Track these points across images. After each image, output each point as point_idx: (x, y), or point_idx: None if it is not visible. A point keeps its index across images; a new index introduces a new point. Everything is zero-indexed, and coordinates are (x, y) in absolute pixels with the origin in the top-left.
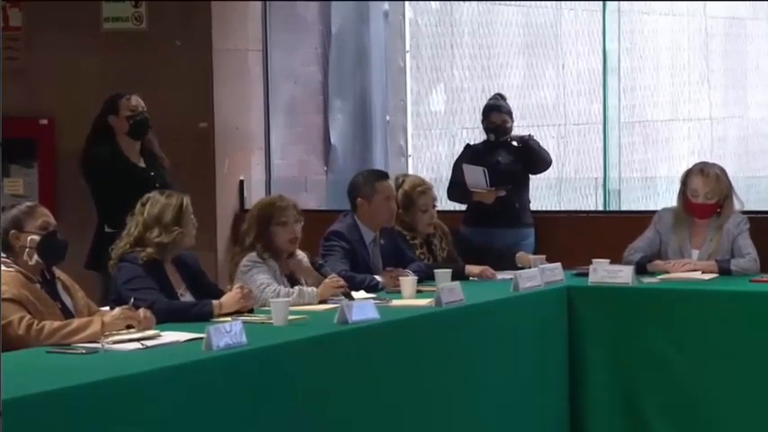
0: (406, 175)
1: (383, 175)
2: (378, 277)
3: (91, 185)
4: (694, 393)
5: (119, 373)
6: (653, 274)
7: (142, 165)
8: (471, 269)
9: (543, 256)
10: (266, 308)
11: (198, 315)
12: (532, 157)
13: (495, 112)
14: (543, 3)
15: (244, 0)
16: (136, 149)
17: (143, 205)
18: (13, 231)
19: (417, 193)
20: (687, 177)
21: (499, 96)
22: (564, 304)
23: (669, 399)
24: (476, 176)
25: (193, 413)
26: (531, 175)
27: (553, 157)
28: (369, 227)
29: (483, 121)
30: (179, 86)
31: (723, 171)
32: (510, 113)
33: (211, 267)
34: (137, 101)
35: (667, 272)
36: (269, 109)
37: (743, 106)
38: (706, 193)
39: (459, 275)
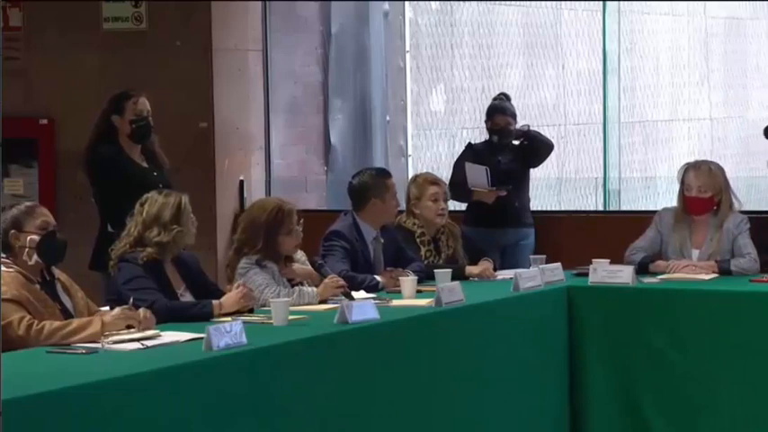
0: (419, 174)
1: (388, 173)
2: (378, 277)
3: (94, 186)
4: (694, 393)
5: (119, 373)
6: (654, 273)
7: (145, 165)
8: (471, 269)
9: (543, 256)
10: (266, 308)
11: (198, 315)
12: (536, 145)
13: (500, 114)
14: (543, 3)
15: (244, 0)
16: (137, 149)
17: (141, 205)
18: (12, 231)
19: (428, 183)
20: (683, 174)
21: (504, 96)
22: (564, 304)
23: (669, 399)
24: (478, 175)
25: (193, 413)
26: (534, 168)
27: (553, 157)
28: (371, 225)
29: (486, 122)
30: (179, 86)
31: (718, 167)
32: (514, 115)
33: (211, 267)
34: (143, 105)
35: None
36: (269, 109)
37: (743, 106)
38: (699, 186)
39: (458, 275)
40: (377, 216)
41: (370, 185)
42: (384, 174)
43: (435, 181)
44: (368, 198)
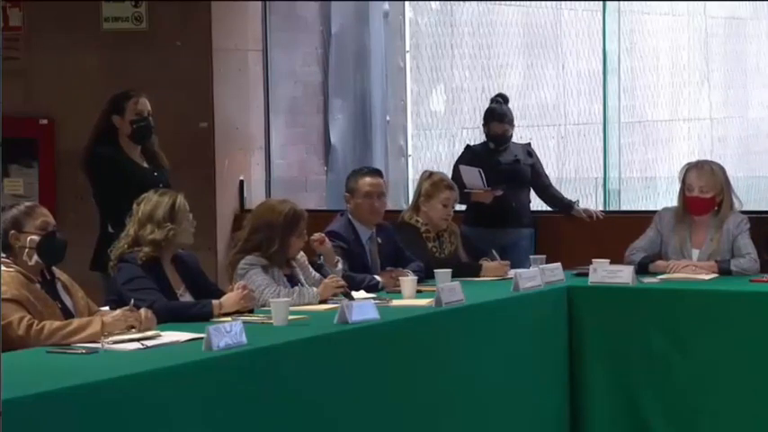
0: (434, 172)
1: (368, 172)
2: (378, 277)
3: (95, 186)
4: (694, 393)
5: (119, 373)
6: (654, 273)
7: (145, 165)
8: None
9: (543, 256)
10: (266, 308)
11: (198, 315)
12: (557, 207)
13: (497, 123)
14: (543, 3)
15: (244, 0)
16: (137, 150)
17: (138, 205)
18: (12, 232)
19: (443, 186)
20: (684, 174)
21: (501, 99)
22: (564, 304)
23: (669, 399)
24: (472, 177)
25: (193, 413)
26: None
27: (553, 157)
28: (363, 224)
29: (484, 126)
30: (179, 86)
31: (720, 167)
32: (511, 121)
33: (211, 267)
34: (143, 105)
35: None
36: (269, 109)
37: (743, 106)
38: (701, 186)
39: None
40: (358, 215)
41: (346, 181)
42: (360, 171)
43: (451, 186)
44: (345, 197)
